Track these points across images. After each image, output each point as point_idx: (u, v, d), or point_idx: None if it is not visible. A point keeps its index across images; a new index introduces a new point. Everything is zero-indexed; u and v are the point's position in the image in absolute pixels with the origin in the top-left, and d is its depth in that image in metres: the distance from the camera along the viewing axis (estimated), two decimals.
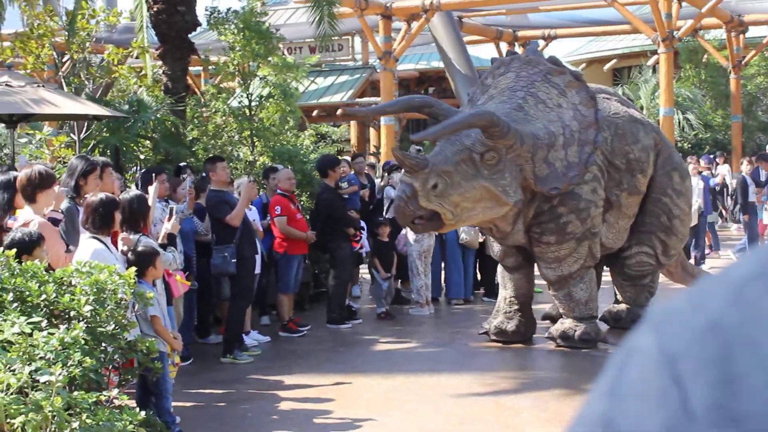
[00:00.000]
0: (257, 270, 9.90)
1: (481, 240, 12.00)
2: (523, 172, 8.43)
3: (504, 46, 26.48)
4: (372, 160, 24.19)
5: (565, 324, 9.24)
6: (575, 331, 9.13)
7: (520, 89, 8.77)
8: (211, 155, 11.00)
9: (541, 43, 25.83)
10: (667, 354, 0.64)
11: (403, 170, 8.34)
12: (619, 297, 10.35)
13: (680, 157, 10.75)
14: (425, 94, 31.21)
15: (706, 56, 28.35)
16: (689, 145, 25.71)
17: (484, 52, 28.67)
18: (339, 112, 25.50)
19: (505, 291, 9.72)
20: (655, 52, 25.12)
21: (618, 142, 9.34)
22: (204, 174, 9.98)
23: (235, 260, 9.07)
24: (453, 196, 8.02)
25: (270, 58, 13.29)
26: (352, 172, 12.10)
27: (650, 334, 0.66)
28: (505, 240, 9.07)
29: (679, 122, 25.85)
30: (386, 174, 13.16)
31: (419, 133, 8.17)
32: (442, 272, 12.87)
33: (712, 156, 20.82)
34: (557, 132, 8.55)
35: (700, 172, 16.18)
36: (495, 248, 9.64)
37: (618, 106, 9.72)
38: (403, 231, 11.65)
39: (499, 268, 9.87)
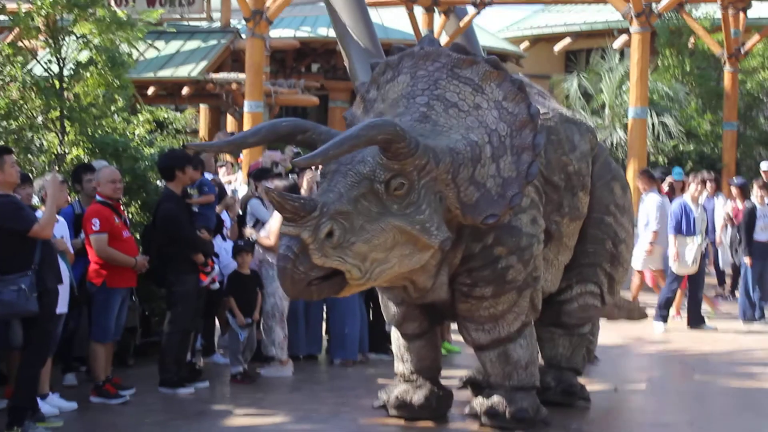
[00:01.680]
0: (62, 308, 9.75)
1: None
2: (444, 201, 8.53)
3: (420, 12, 26.80)
4: (227, 159, 24.18)
5: (494, 397, 9.36)
6: (507, 406, 9.25)
7: (421, 93, 8.90)
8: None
9: (471, 10, 26.25)
10: None
11: (280, 219, 8.23)
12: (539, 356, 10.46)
13: (615, 162, 11.17)
14: (304, 72, 31.33)
15: (692, 40, 29.10)
16: (665, 160, 26.34)
17: (393, 20, 28.91)
18: (185, 91, 25.40)
19: (404, 365, 9.85)
20: (624, 31, 25.80)
21: (553, 152, 9.59)
22: None
23: (35, 294, 8.92)
24: (356, 245, 7.99)
25: (92, 10, 13.17)
26: (206, 175, 12.08)
27: None
28: (423, 299, 9.16)
29: (654, 127, 26.48)
30: (251, 181, 13.16)
31: (304, 156, 8.11)
32: (323, 320, 12.94)
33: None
34: (481, 141, 8.69)
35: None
36: (390, 310, 9.75)
37: (540, 100, 9.98)
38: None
39: (395, 334, 9.99)
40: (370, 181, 8.14)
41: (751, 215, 16.45)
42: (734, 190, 18.42)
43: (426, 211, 8.32)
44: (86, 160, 12.38)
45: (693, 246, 15.42)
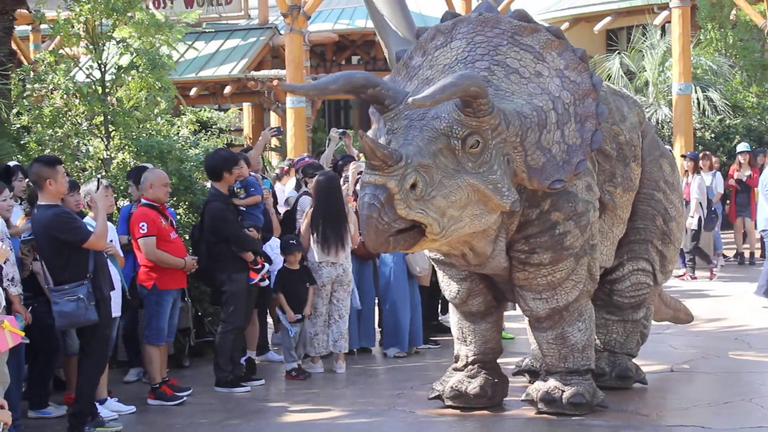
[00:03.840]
0: (116, 312, 9.81)
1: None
2: (512, 164, 8.52)
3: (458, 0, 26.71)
4: (274, 157, 24.24)
5: (550, 382, 9.35)
6: (563, 392, 9.23)
7: (480, 58, 8.83)
8: (46, 152, 10.91)
9: None
10: None
11: (364, 168, 8.16)
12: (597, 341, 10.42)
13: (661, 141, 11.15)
14: (344, 65, 31.35)
15: (734, 12, 28.84)
16: (712, 135, 26.12)
17: (431, 7, 28.83)
18: (227, 90, 25.46)
19: (467, 347, 9.81)
20: (665, 7, 25.60)
21: (604, 121, 9.53)
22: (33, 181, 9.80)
23: (93, 302, 8.99)
24: (437, 200, 7.96)
25: (131, 14, 13.23)
26: (251, 175, 12.10)
27: None
28: (482, 268, 9.13)
29: (699, 102, 26.27)
30: (300, 177, 13.14)
31: (417, 97, 7.95)
32: (376, 312, 12.99)
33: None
34: (546, 107, 8.68)
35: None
36: (453, 288, 9.72)
37: None
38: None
39: (455, 317, 9.96)
40: (447, 137, 8.10)
41: None
42: None
43: (498, 172, 8.30)
44: (132, 164, 12.44)
45: None
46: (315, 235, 11.56)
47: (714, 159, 20.66)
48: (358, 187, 11.00)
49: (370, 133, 9.52)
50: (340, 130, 15.10)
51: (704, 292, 16.94)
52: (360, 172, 12.18)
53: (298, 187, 13.54)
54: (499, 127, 8.31)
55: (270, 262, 11.52)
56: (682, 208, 10.80)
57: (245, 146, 21.80)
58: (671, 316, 12.09)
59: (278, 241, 12.09)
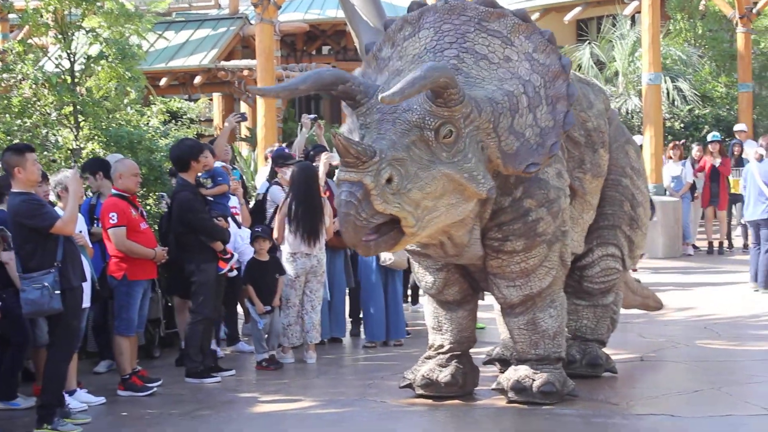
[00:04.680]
0: (86, 303, 9.77)
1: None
2: (486, 151, 8.53)
3: None
4: (244, 147, 24.18)
5: (520, 371, 9.36)
6: (534, 380, 9.24)
7: (449, 47, 8.83)
8: (16, 141, 10.85)
9: None
10: None
11: (339, 165, 8.12)
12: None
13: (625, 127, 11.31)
14: (314, 55, 31.29)
15: (703, 3, 28.95)
16: (682, 124, 26.24)
17: None
18: (197, 80, 25.40)
19: (442, 336, 9.81)
20: None
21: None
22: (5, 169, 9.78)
23: (59, 292, 8.94)
24: (412, 192, 7.96)
25: (100, 3, 13.16)
26: (218, 164, 12.06)
27: None
28: (459, 258, 9.14)
29: (669, 93, 26.36)
30: (271, 167, 13.11)
31: (386, 93, 7.91)
32: (346, 302, 13.00)
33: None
34: (517, 91, 8.69)
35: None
36: (428, 278, 9.72)
37: None
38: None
39: (430, 306, 9.96)
40: (420, 129, 8.10)
41: None
42: None
43: (472, 160, 8.32)
44: (102, 154, 12.40)
45: None
46: (290, 225, 11.54)
47: (698, 148, 20.75)
48: (334, 178, 10.97)
49: (344, 128, 9.52)
50: (312, 116, 15.06)
51: (674, 281, 17.00)
52: (332, 164, 12.24)
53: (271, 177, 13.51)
54: (471, 115, 8.31)
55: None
56: (647, 193, 10.90)
57: (215, 136, 21.74)
58: (640, 303, 12.15)
59: (249, 231, 12.08)
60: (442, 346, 9.75)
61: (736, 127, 23.29)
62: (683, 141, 22.42)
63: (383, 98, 7.73)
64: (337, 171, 8.19)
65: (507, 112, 8.57)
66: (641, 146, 18.28)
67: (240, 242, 11.85)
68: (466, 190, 8.30)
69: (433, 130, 8.11)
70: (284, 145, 16.38)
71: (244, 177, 14.26)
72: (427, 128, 8.11)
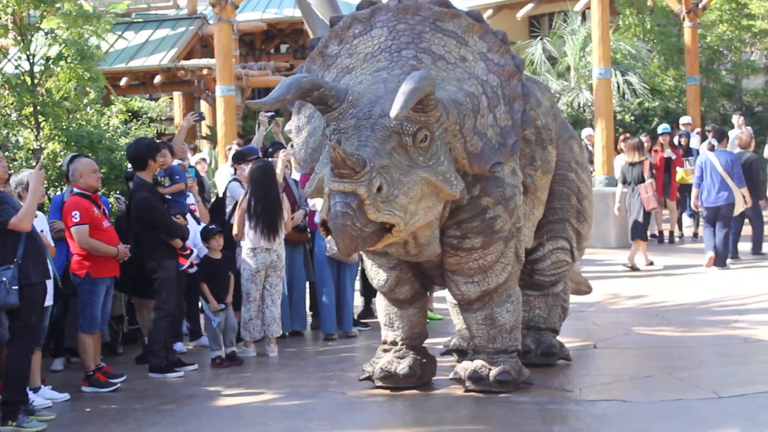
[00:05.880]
0: (49, 301, 9.72)
1: None
2: (453, 152, 8.55)
3: None
4: (205, 145, 24.09)
5: (477, 361, 9.39)
6: (490, 370, 9.28)
7: (406, 47, 8.81)
8: None
9: None
10: None
11: (330, 175, 7.91)
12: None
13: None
14: (273, 53, 31.23)
15: None
16: (632, 117, 26.38)
17: None
18: (157, 80, 25.29)
19: (394, 332, 9.84)
20: None
21: None
22: None
23: (16, 287, 8.88)
24: (399, 198, 7.96)
25: (59, 5, 13.10)
26: (175, 162, 12.02)
27: None
28: (419, 256, 9.12)
29: (619, 86, 26.52)
30: (231, 164, 13.09)
31: (394, 110, 7.85)
32: (306, 296, 13.00)
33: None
34: (477, 92, 8.72)
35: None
36: (381, 276, 9.72)
37: None
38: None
39: (382, 303, 9.98)
40: (398, 135, 8.08)
41: None
42: None
43: (444, 162, 8.35)
44: (62, 154, 12.33)
45: None
46: (250, 221, 11.53)
47: (646, 139, 20.87)
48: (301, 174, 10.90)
49: (291, 125, 9.48)
50: (269, 114, 15.00)
51: (626, 271, 17.10)
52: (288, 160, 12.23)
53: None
54: (441, 118, 8.34)
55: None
56: (591, 185, 11.00)
57: (175, 135, 21.67)
58: (574, 289, 12.22)
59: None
60: (395, 342, 9.80)
61: (682, 120, 23.50)
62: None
63: (395, 116, 7.69)
64: (325, 180, 8.06)
65: (470, 112, 8.60)
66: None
67: (199, 238, 11.82)
68: (441, 192, 8.33)
69: (410, 136, 8.11)
70: (235, 142, 16.40)
71: (201, 174, 14.22)
72: (405, 134, 8.09)
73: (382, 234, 8.00)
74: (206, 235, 11.64)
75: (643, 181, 17.51)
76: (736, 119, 22.66)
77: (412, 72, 8.21)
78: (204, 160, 16.88)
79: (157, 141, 11.65)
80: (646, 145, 19.05)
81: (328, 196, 7.89)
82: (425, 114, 8.13)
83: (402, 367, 9.63)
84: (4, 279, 8.82)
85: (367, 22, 9.09)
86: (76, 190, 10.56)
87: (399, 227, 7.96)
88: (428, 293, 10.06)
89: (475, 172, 8.71)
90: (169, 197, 11.43)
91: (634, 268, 17.07)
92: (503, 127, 8.72)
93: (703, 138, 21.44)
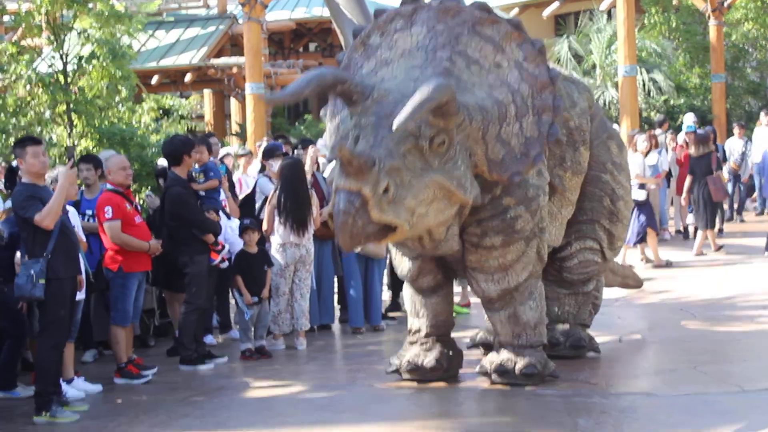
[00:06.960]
0: (80, 295, 9.77)
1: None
2: (473, 158, 8.51)
3: None
4: (236, 143, 24.15)
5: (503, 354, 9.39)
6: (516, 363, 9.28)
7: (442, 48, 8.75)
8: (20, 137, 10.82)
9: None
10: None
11: (336, 173, 8.02)
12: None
13: (609, 122, 11.29)
14: (301, 52, 31.27)
15: None
16: (657, 114, 26.27)
17: None
18: (188, 78, 25.38)
19: (419, 320, 9.84)
20: None
21: None
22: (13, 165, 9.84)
23: (43, 281, 8.92)
24: (407, 201, 7.95)
25: (91, 5, 13.16)
26: (211, 159, 12.06)
27: None
28: (435, 250, 9.15)
29: (644, 84, 26.42)
30: (261, 161, 13.11)
31: (399, 119, 7.86)
32: (334, 291, 13.02)
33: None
34: (506, 100, 8.65)
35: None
36: (405, 266, 9.73)
37: None
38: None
39: (408, 291, 9.99)
40: (415, 138, 8.03)
41: None
42: None
43: (461, 167, 8.32)
44: (94, 151, 12.39)
45: None
46: (280, 217, 11.55)
47: (671, 137, 20.75)
48: (327, 173, 10.93)
49: (326, 110, 9.46)
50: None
51: (651, 265, 17.05)
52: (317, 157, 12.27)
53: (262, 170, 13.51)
54: (463, 123, 8.29)
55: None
56: (629, 186, 10.88)
57: (206, 132, 21.74)
58: (620, 283, 12.18)
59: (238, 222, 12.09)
60: (420, 330, 9.78)
61: (690, 118, 23.20)
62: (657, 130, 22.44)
63: (398, 127, 7.71)
64: (335, 175, 8.08)
65: (496, 120, 8.54)
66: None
67: (230, 234, 11.85)
68: (454, 196, 8.31)
69: (427, 139, 8.08)
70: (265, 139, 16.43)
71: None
72: (422, 137, 8.06)
73: (386, 233, 8.01)
74: (242, 230, 11.68)
75: (711, 173, 17.53)
76: (763, 116, 22.55)
77: (435, 78, 8.19)
78: (229, 154, 16.92)
79: (191, 138, 11.66)
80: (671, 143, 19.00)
81: (335, 192, 7.94)
82: (444, 120, 8.10)
83: (429, 359, 9.63)
84: (32, 272, 8.87)
85: (409, 18, 9.05)
86: (108, 186, 10.62)
87: (401, 229, 7.96)
88: (462, 287, 9.99)
89: (493, 179, 8.68)
90: (203, 193, 11.47)
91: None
92: (528, 138, 8.66)
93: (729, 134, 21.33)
